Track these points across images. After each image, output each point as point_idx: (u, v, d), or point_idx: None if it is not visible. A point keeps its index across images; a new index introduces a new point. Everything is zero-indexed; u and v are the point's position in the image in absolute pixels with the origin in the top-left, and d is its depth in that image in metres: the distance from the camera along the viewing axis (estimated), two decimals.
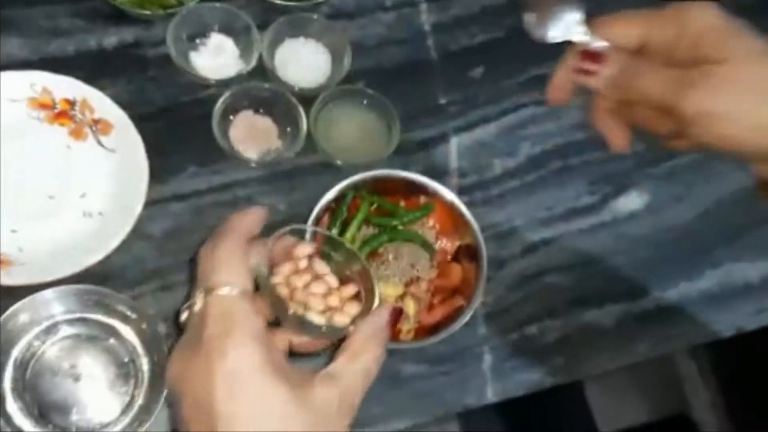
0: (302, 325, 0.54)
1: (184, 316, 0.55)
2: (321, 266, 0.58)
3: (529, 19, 0.59)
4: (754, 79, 0.53)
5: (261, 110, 0.85)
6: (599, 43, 0.58)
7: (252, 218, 0.58)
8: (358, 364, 0.54)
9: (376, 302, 0.56)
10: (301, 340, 0.55)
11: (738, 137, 0.53)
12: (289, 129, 0.85)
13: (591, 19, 0.59)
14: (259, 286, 0.55)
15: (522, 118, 0.93)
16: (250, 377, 0.50)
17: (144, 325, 0.75)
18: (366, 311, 0.56)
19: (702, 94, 0.53)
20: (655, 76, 0.56)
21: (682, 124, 0.56)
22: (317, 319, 0.54)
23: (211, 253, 0.55)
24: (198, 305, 0.53)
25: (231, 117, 0.85)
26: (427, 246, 0.74)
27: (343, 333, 0.55)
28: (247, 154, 0.84)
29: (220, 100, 0.83)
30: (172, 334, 0.77)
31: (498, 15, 0.97)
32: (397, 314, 0.58)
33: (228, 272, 0.54)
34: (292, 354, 0.56)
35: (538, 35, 0.58)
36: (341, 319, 0.55)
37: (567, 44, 0.59)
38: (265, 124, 0.85)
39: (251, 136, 0.84)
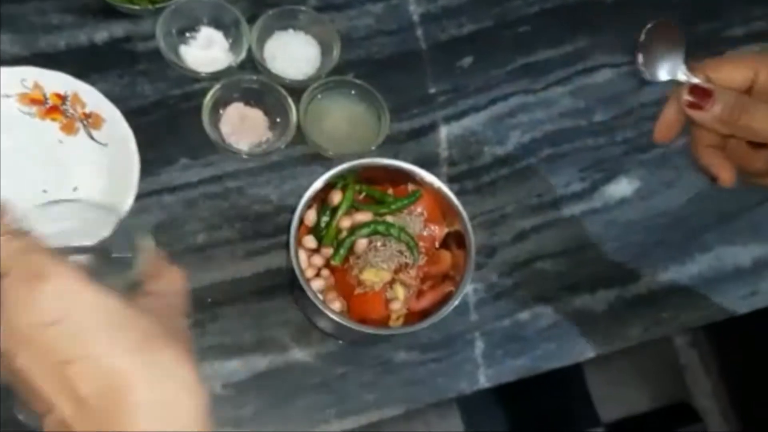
0: None
1: None
2: None
3: (640, 59, 0.64)
4: None
5: (251, 102, 0.86)
6: (702, 82, 0.61)
7: None
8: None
9: None
10: None
11: None
12: (279, 120, 0.86)
13: (699, 59, 0.62)
14: None
15: (511, 107, 0.94)
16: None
17: None
18: None
19: None
20: (763, 113, 0.59)
21: None
22: None
23: None
24: None
25: (221, 110, 0.85)
26: (411, 246, 0.75)
27: None
28: (237, 146, 0.84)
29: (210, 93, 0.84)
30: None
31: (486, 5, 0.97)
32: None
33: None
34: None
35: (648, 74, 0.63)
36: None
37: (673, 84, 0.63)
38: (255, 116, 0.86)
39: (241, 128, 0.85)
